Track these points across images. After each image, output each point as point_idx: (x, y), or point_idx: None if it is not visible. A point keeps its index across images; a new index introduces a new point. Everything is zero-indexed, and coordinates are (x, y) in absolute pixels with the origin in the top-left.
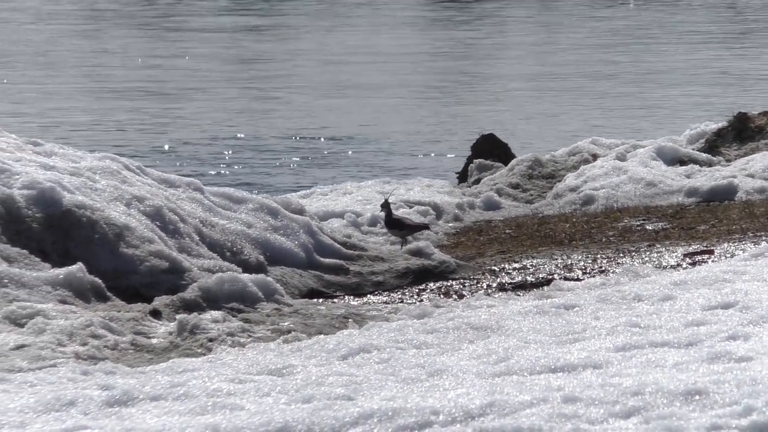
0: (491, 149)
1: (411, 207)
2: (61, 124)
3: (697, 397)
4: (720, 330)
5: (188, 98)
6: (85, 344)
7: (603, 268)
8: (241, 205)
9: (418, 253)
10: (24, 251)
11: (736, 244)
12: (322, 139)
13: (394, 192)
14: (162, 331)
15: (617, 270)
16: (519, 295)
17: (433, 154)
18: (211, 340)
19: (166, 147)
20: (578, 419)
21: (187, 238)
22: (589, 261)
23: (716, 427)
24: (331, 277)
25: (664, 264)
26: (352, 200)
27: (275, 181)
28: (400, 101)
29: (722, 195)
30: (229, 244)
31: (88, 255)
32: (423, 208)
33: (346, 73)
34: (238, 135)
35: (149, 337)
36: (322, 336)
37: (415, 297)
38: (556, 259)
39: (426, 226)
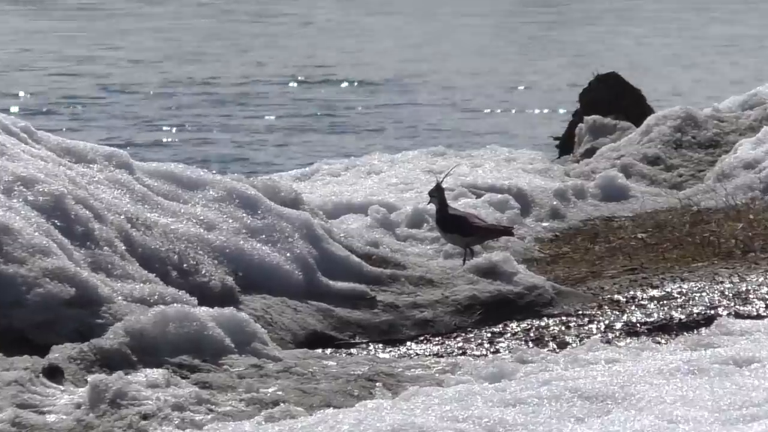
0: (613, 99)
1: (479, 196)
2: None
3: None
4: None
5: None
6: None
7: None
8: (197, 192)
9: (491, 272)
10: None
11: None
12: (334, 85)
13: (452, 171)
14: (64, 401)
15: None
16: (659, 343)
17: (516, 109)
18: (146, 417)
19: (76, 101)
20: None
21: (105, 248)
22: None
23: None
24: (346, 313)
25: None
26: (380, 185)
27: (254, 154)
28: (463, 26)
29: None
30: (176, 257)
31: None
32: (499, 197)
33: None
34: (194, 77)
35: (43, 413)
36: (330, 411)
37: (487, 345)
38: (722, 282)
39: (506, 230)
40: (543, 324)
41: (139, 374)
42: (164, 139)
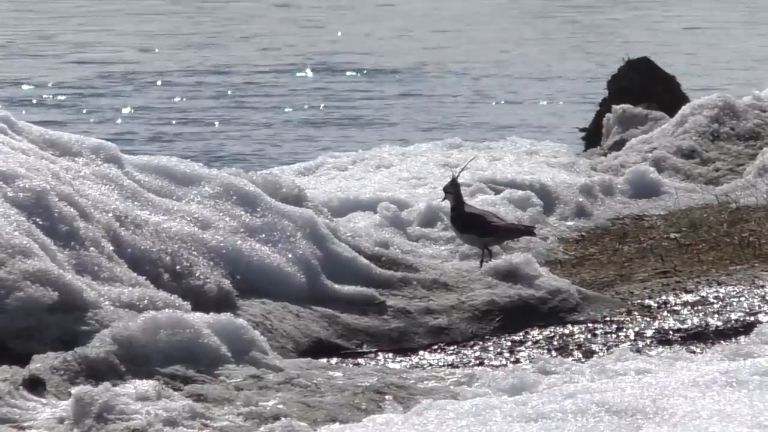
0: (645, 86)
1: (498, 192)
2: None
3: None
4: None
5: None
6: None
7: None
8: (191, 188)
9: (511, 275)
10: None
11: None
12: (340, 71)
13: (468, 165)
14: (46, 415)
15: None
16: (694, 352)
17: (540, 100)
18: None
19: (64, 90)
20: None
21: (92, 248)
22: None
23: None
24: (353, 319)
25: None
26: (391, 180)
27: (253, 147)
28: (483, 15)
29: None
30: (169, 258)
31: None
32: (520, 193)
33: None
34: (197, 65)
35: (23, 428)
36: (336, 427)
37: (506, 355)
38: (763, 286)
39: (527, 229)
40: (567, 331)
41: (128, 386)
42: (161, 131)
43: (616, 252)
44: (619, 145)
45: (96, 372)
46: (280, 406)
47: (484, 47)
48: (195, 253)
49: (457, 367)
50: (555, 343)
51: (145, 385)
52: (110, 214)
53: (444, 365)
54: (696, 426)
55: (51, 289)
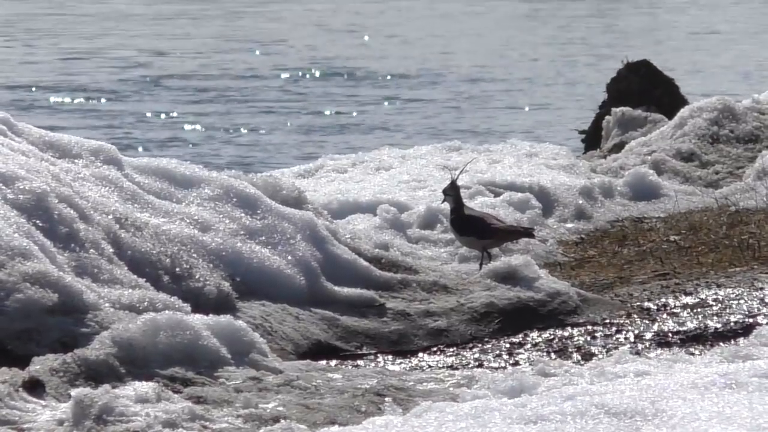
0: (645, 88)
1: (498, 194)
2: None
3: None
4: None
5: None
6: None
7: None
8: (191, 191)
9: (510, 277)
10: None
11: None
12: (340, 75)
13: (468, 167)
14: (46, 417)
15: None
16: (693, 354)
17: (539, 103)
18: None
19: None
20: None
21: (91, 250)
22: None
23: None
24: (352, 321)
25: None
26: (390, 182)
27: (253, 149)
28: (483, 16)
29: None
30: (168, 260)
31: None
32: (520, 195)
33: None
34: (197, 69)
35: (22, 430)
36: (335, 429)
37: (505, 357)
38: (762, 288)
39: (526, 231)
40: (567, 334)
41: (128, 388)
42: (162, 136)
43: (616, 254)
44: (618, 148)
45: (96, 374)
46: (280, 408)
47: (486, 52)
48: (195, 255)
49: (457, 369)
50: (554, 345)
51: (145, 387)
52: (110, 216)
53: (443, 367)
54: (695, 428)
55: (51, 291)
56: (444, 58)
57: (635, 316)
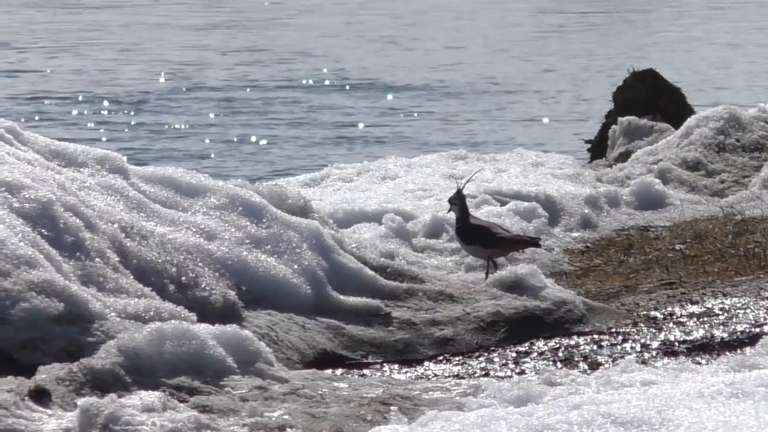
0: (651, 98)
1: (504, 203)
2: None
3: None
4: None
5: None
6: None
7: None
8: (197, 199)
9: (516, 286)
10: None
11: None
12: (342, 86)
13: (474, 176)
14: (52, 426)
15: None
16: (700, 363)
17: (546, 114)
18: None
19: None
20: None
21: (97, 259)
22: None
23: None
24: (358, 330)
25: None
26: (396, 191)
27: (258, 158)
28: (489, 28)
29: None
30: (174, 269)
31: None
32: (526, 205)
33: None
34: (205, 80)
35: None
36: None
37: (511, 366)
38: None
39: (532, 241)
40: (573, 343)
41: (134, 397)
42: (169, 145)
43: (622, 263)
44: (624, 157)
45: (102, 383)
46: (286, 417)
47: (495, 63)
48: (201, 264)
49: (463, 378)
50: (560, 354)
51: (151, 396)
52: (116, 225)
53: (449, 376)
54: None
55: (56, 300)
56: (451, 69)
57: (641, 325)
